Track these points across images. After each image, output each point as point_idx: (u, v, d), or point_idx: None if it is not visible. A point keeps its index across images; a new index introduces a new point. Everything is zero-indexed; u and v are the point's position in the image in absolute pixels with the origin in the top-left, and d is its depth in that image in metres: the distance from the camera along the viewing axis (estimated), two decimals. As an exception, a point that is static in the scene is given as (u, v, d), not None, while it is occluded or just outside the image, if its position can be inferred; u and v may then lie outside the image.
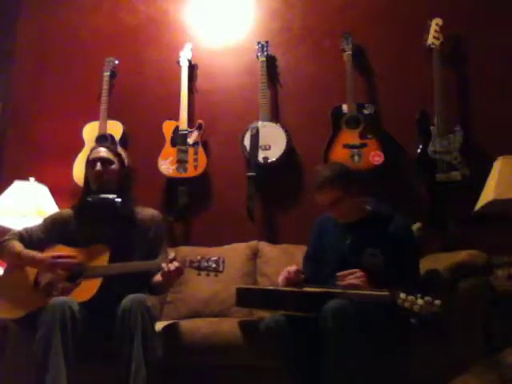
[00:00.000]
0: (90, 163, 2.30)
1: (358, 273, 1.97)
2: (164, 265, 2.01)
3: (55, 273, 2.09)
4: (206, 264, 2.01)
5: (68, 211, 2.35)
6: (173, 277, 2.05)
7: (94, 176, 2.26)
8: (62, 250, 2.18)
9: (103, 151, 2.31)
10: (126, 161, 2.40)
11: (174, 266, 2.00)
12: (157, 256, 2.18)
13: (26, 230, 2.27)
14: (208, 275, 2.01)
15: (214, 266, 2.00)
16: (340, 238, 2.17)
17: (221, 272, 2.01)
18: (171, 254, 2.16)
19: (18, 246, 2.19)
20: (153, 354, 1.90)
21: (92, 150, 2.37)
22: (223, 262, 2.01)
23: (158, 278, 2.13)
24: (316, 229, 2.32)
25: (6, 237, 2.24)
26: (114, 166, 2.28)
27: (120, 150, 3.15)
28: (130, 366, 1.85)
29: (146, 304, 1.94)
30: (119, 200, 2.23)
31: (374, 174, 2.91)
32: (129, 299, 1.94)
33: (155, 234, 2.29)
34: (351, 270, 1.98)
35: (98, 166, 2.25)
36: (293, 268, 2.12)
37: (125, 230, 2.22)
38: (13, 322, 2.14)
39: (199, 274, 2.02)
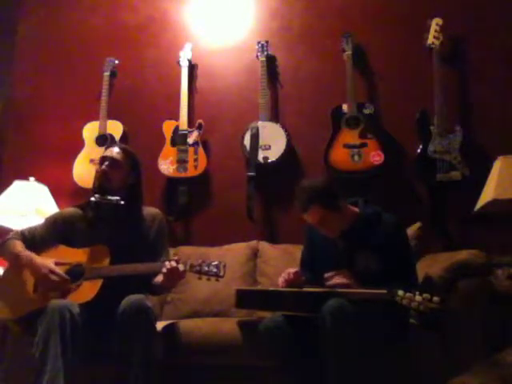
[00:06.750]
0: (100, 160, 2.28)
1: (344, 272, 1.98)
2: (165, 269, 1.99)
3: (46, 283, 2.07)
4: (206, 268, 2.00)
5: (70, 210, 2.34)
6: (174, 279, 2.03)
7: (98, 173, 2.25)
8: (63, 252, 2.17)
9: (115, 152, 2.27)
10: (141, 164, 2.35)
11: (175, 264, 1.98)
12: (159, 255, 2.17)
13: (29, 231, 2.26)
14: (209, 279, 2.00)
15: (214, 270, 1.99)
16: (332, 244, 2.16)
17: (221, 277, 2.00)
18: (174, 257, 2.14)
19: (18, 245, 2.17)
20: (153, 354, 1.90)
21: (107, 147, 2.37)
22: (224, 266, 2.00)
23: (158, 278, 2.11)
24: (307, 235, 2.31)
25: (9, 236, 2.24)
26: (121, 169, 2.24)
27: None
28: (130, 366, 1.86)
29: (146, 306, 1.92)
30: (122, 203, 2.20)
31: (373, 173, 2.91)
32: (128, 301, 1.92)
33: (157, 234, 2.27)
34: (337, 271, 2.00)
35: (104, 165, 2.23)
36: (293, 270, 2.12)
37: (126, 230, 2.21)
38: (13, 321, 2.13)
39: (200, 278, 2.02)
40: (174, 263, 1.99)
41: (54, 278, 2.04)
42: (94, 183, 2.27)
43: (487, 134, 2.96)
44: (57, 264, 2.10)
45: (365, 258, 2.07)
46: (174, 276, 2.00)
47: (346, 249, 2.12)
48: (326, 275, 2.01)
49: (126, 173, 2.26)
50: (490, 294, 2.19)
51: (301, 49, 3.36)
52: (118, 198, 2.20)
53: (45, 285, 2.06)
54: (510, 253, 2.51)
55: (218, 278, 2.00)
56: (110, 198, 2.20)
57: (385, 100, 3.16)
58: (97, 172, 2.27)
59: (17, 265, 2.17)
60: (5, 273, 2.26)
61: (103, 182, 2.22)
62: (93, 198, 2.21)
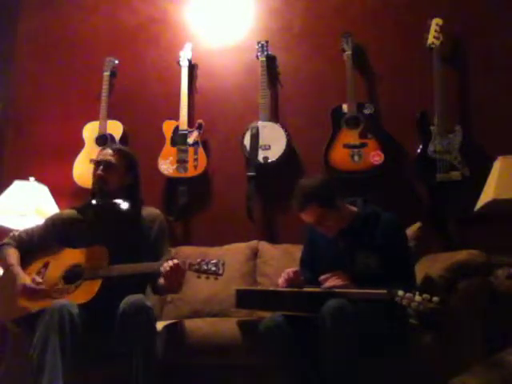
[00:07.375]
0: (95, 164, 2.27)
1: (339, 273, 1.98)
2: (163, 269, 1.98)
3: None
4: (205, 267, 1.99)
5: (69, 211, 2.34)
6: (174, 277, 2.01)
7: (95, 178, 2.26)
8: (61, 253, 2.18)
9: (108, 153, 2.27)
10: (137, 163, 2.33)
11: (172, 263, 1.97)
12: (160, 256, 2.17)
13: (27, 233, 2.26)
14: (208, 278, 1.99)
15: (213, 269, 1.98)
16: (331, 244, 2.16)
17: (220, 275, 1.99)
18: (171, 253, 2.14)
19: (13, 255, 2.18)
20: (153, 354, 1.90)
21: (101, 149, 2.36)
22: (223, 264, 1.99)
23: (161, 280, 2.10)
24: (307, 235, 2.31)
25: (5, 240, 2.24)
26: (116, 171, 2.24)
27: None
28: (130, 367, 1.85)
29: (146, 306, 1.91)
30: (124, 206, 2.20)
31: (373, 173, 2.91)
32: (128, 302, 1.92)
33: (157, 235, 2.27)
34: (332, 272, 1.99)
35: (100, 168, 2.23)
36: (293, 269, 2.12)
37: (126, 230, 2.21)
38: (12, 322, 2.14)
39: (199, 277, 2.01)
40: (170, 262, 1.98)
41: (28, 292, 2.05)
42: (92, 187, 2.28)
43: (487, 133, 2.96)
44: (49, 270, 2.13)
45: (365, 257, 2.07)
46: (174, 274, 1.99)
47: (347, 248, 2.12)
48: (322, 278, 2.00)
49: (122, 174, 2.26)
50: (490, 293, 2.19)
51: (301, 49, 3.36)
52: (118, 201, 2.20)
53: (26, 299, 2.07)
54: (510, 253, 2.51)
55: (217, 277, 1.99)
56: (110, 201, 2.20)
57: (385, 100, 3.16)
58: (93, 176, 2.27)
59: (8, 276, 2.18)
60: (3, 274, 2.26)
61: (101, 185, 2.23)
62: (93, 201, 2.22)
